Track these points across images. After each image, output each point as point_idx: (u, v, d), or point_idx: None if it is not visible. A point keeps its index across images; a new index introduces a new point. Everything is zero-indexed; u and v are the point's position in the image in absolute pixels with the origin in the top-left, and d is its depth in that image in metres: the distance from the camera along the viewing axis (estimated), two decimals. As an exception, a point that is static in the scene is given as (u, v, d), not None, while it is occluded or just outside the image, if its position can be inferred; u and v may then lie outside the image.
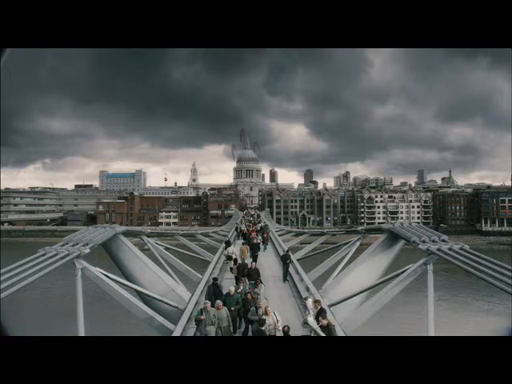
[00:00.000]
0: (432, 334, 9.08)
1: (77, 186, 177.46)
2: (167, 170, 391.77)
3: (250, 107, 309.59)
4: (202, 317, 9.15)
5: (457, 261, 9.09)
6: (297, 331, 8.86)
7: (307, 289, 14.02)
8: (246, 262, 15.59)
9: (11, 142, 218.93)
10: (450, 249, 9.73)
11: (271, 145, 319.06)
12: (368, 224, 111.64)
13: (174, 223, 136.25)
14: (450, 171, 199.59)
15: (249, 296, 10.34)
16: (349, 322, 11.13)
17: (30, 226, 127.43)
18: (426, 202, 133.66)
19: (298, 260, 20.02)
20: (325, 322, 8.32)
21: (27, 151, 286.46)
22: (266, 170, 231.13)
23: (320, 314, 8.79)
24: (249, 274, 13.51)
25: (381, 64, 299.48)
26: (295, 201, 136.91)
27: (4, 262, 9.08)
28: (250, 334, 9.63)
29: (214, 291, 11.18)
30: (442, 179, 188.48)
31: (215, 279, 12.10)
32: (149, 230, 19.51)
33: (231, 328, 9.83)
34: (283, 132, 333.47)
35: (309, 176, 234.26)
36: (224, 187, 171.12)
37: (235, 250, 19.12)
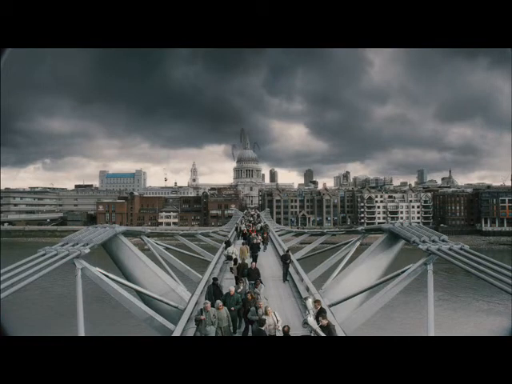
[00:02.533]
0: (432, 334, 9.08)
1: (77, 186, 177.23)
2: (167, 170, 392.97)
3: (249, 107, 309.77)
4: (202, 317, 9.15)
5: (457, 261, 9.09)
6: (297, 331, 8.86)
7: (307, 289, 14.02)
8: (245, 261, 15.59)
9: (11, 141, 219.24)
10: (450, 249, 9.74)
11: (271, 145, 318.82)
12: (368, 224, 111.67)
13: (174, 223, 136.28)
14: (450, 171, 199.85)
15: (249, 296, 10.33)
16: (349, 321, 11.13)
17: (29, 226, 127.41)
18: (426, 202, 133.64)
19: (298, 260, 20.01)
20: (325, 322, 8.32)
21: (27, 151, 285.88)
22: (265, 170, 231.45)
23: (320, 314, 8.78)
24: (249, 274, 13.52)
25: (381, 64, 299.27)
26: (295, 201, 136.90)
27: (4, 262, 9.08)
28: (250, 333, 9.63)
29: (214, 291, 11.17)
30: (442, 179, 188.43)
31: (215, 279, 12.09)
32: (149, 230, 19.50)
33: (231, 328, 9.83)
34: (283, 132, 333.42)
35: (309, 176, 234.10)
36: (224, 187, 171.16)
37: (235, 250, 19.11)
